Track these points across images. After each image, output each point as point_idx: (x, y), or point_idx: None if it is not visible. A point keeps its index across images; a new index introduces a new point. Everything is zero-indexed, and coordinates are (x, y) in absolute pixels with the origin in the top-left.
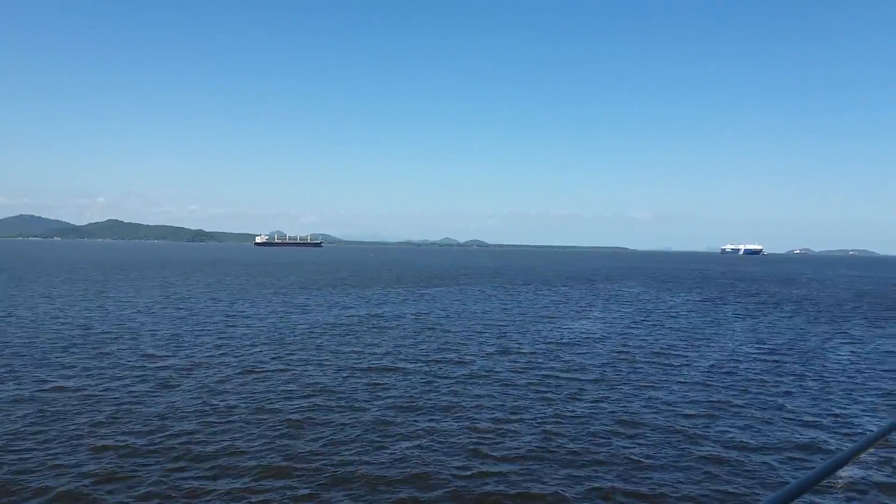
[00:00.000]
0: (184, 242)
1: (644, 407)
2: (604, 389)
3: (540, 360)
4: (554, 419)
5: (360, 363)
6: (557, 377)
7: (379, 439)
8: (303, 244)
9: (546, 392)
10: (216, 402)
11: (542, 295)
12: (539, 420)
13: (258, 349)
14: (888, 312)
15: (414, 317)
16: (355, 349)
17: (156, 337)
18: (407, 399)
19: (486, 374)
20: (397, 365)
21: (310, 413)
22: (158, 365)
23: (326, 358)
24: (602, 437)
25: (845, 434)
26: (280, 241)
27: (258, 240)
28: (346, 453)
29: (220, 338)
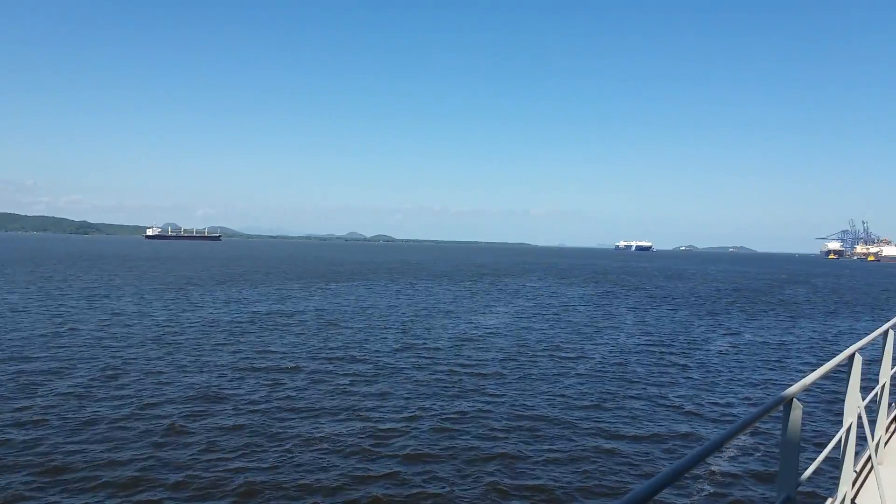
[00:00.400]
0: (67, 235)
1: (540, 401)
2: (502, 384)
3: (442, 356)
4: (453, 416)
5: (256, 363)
6: (458, 373)
7: (268, 443)
8: (199, 237)
9: (446, 388)
10: (83, 409)
11: (446, 290)
12: (439, 417)
13: (137, 350)
14: (761, 305)
15: (317, 313)
16: (253, 348)
17: (17, 339)
18: (303, 399)
19: (387, 371)
20: (296, 364)
21: (192, 418)
22: (14, 370)
23: (217, 358)
24: (499, 432)
25: (720, 421)
26: (174, 234)
27: (149, 232)
28: (233, 459)
29: (93, 339)
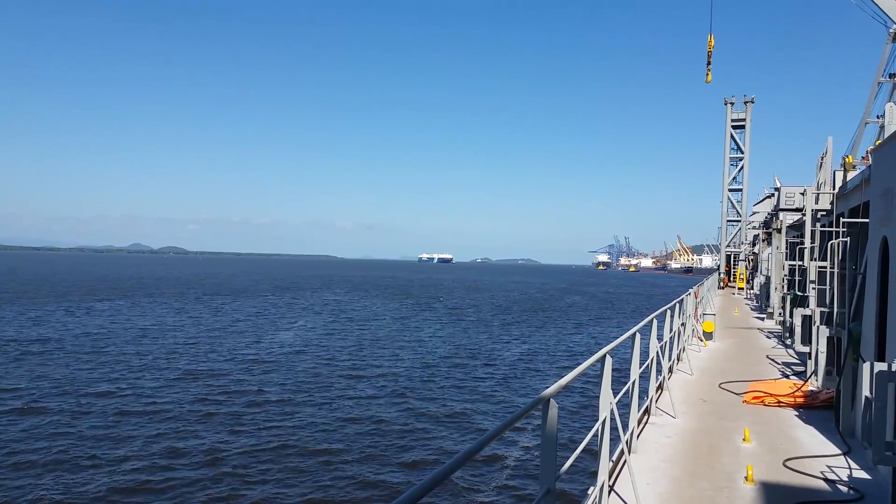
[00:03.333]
0: None
1: (309, 420)
2: (286, 409)
3: (221, 383)
4: (217, 450)
5: None
6: (234, 401)
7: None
8: None
9: (217, 419)
10: None
11: (241, 306)
12: (203, 450)
13: None
14: (544, 314)
15: (79, 337)
16: None
17: None
18: (44, 441)
19: (147, 403)
20: (40, 404)
21: None
22: None
23: None
24: (268, 463)
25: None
26: None
27: None
28: None
29: None
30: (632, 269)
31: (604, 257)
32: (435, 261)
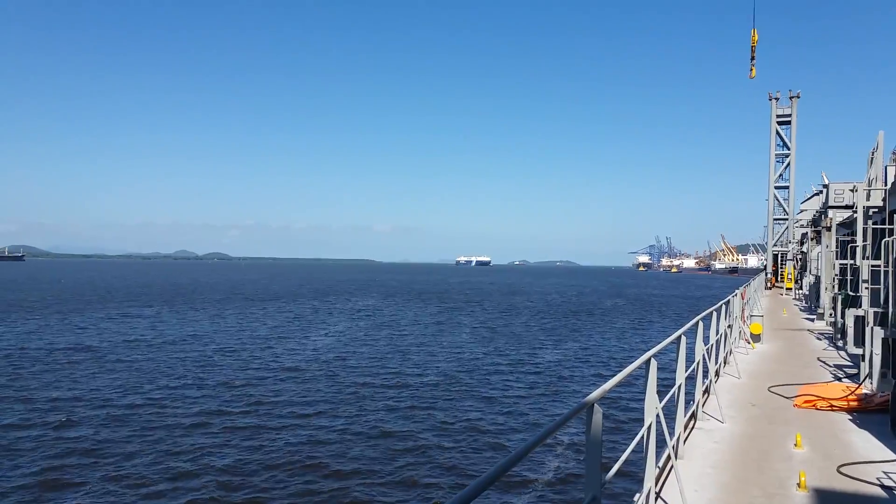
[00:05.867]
0: None
1: (352, 421)
2: (319, 422)
3: (257, 392)
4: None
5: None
6: (267, 411)
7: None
8: None
9: (249, 429)
10: None
11: (279, 312)
12: (233, 458)
13: None
14: (585, 317)
15: (120, 345)
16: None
17: None
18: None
19: (183, 411)
20: (78, 411)
21: None
22: None
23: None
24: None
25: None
26: None
27: None
28: None
29: None
30: (674, 269)
31: (644, 258)
32: (473, 263)
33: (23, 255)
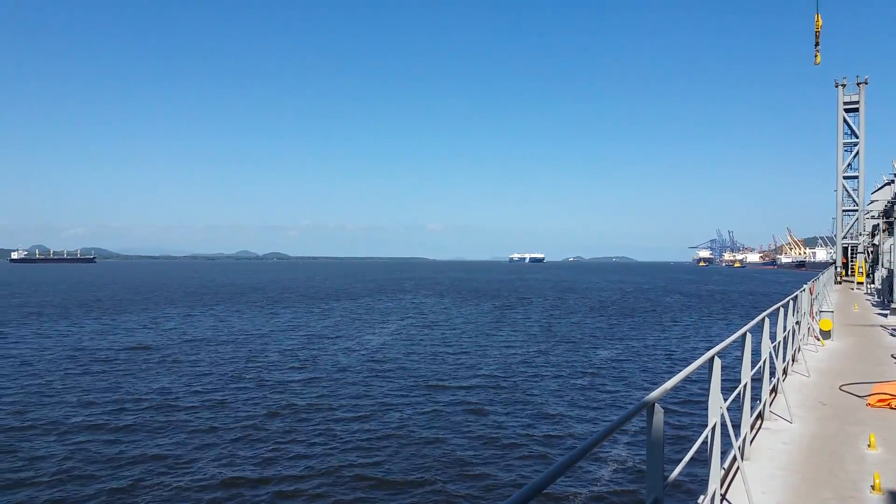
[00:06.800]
0: None
1: (414, 414)
2: (371, 424)
3: (312, 390)
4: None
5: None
6: (319, 413)
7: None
8: (72, 260)
9: (300, 429)
10: None
11: (334, 311)
12: (292, 456)
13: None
14: (643, 314)
15: (184, 343)
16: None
17: None
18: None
19: (238, 408)
20: (139, 409)
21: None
22: None
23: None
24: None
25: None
26: (43, 256)
27: (15, 256)
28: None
29: None
30: (737, 264)
31: (705, 253)
32: (526, 260)
33: (94, 258)
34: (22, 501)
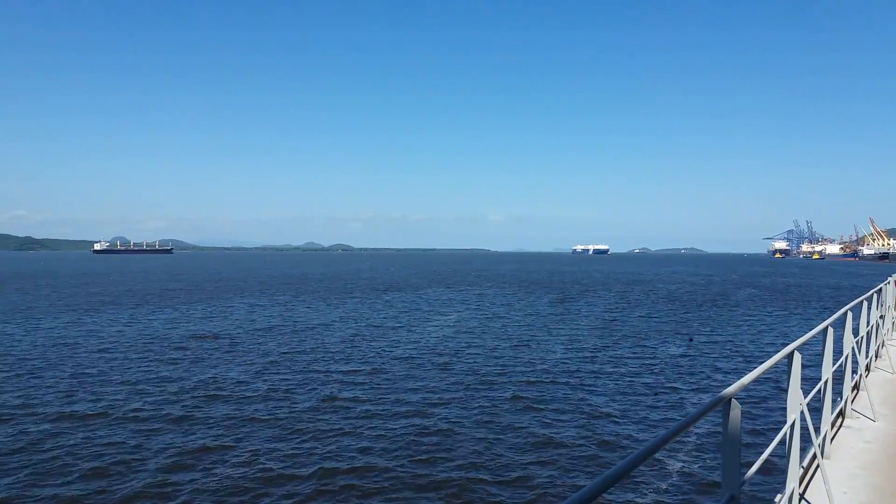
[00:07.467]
0: (10, 251)
1: (483, 406)
2: (426, 419)
3: (365, 381)
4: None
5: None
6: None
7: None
8: (151, 251)
9: (354, 425)
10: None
11: (395, 302)
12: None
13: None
14: (714, 308)
15: (250, 332)
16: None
17: None
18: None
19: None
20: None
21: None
22: None
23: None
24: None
25: (662, 423)
26: (123, 247)
27: (97, 247)
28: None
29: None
30: (815, 256)
31: (781, 244)
32: (590, 252)
33: (171, 249)
34: (100, 482)
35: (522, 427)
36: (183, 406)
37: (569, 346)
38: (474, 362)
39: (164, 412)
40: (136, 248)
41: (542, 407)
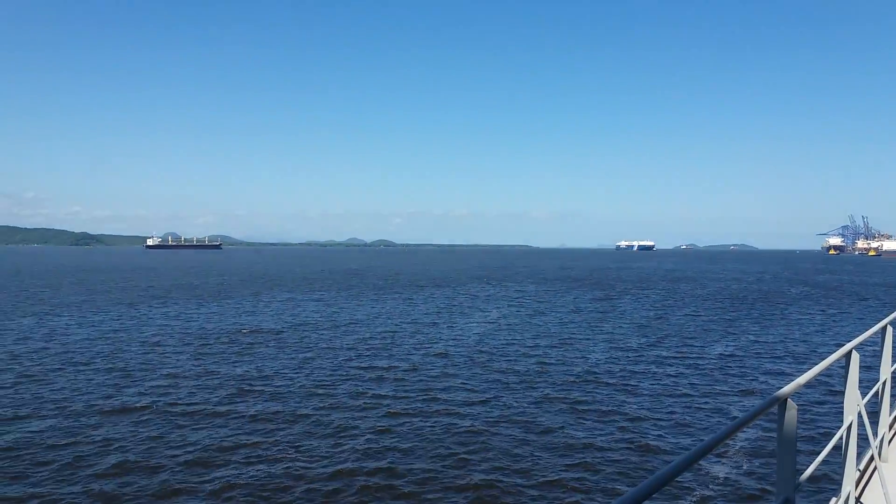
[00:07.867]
0: (67, 247)
1: (531, 405)
2: (467, 416)
3: (404, 378)
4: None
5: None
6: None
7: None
8: (200, 246)
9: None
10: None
11: (435, 297)
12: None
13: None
14: (765, 305)
15: (296, 328)
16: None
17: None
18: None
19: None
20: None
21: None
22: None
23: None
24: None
25: (716, 423)
26: (175, 243)
27: (150, 242)
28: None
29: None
30: (872, 252)
31: (836, 240)
32: (635, 248)
33: (220, 244)
34: (146, 471)
35: (561, 429)
36: (222, 400)
37: (611, 346)
38: (514, 361)
39: (205, 405)
40: (186, 244)
41: (582, 408)
